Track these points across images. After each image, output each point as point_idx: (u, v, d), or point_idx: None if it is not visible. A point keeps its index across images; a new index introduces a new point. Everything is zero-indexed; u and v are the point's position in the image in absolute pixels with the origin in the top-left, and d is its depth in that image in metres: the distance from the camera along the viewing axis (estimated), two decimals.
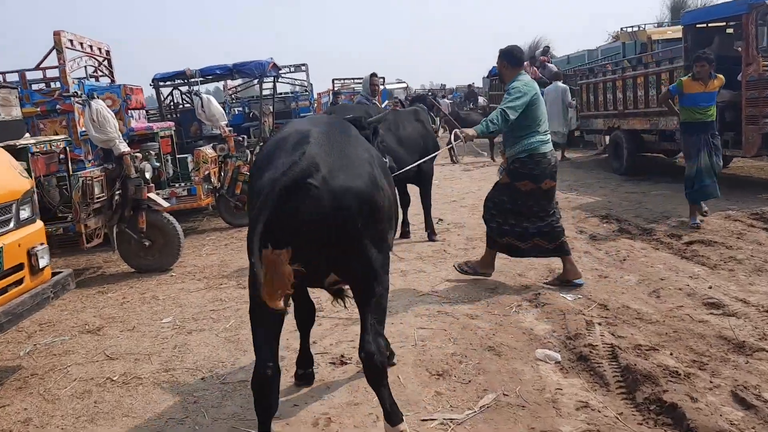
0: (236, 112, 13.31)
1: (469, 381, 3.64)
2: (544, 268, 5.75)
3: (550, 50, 20.13)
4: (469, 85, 31.22)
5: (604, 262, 5.91)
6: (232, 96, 14.27)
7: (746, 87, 8.05)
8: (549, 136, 5.14)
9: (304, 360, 3.75)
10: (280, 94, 13.09)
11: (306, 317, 3.64)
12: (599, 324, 4.37)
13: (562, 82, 13.79)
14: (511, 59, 5.07)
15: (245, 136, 9.44)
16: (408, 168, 6.06)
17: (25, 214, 3.96)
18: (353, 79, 22.25)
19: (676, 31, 14.53)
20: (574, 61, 21.43)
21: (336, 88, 21.50)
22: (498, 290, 5.27)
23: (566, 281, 5.24)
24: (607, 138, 13.61)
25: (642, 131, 10.94)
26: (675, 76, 9.47)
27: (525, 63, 17.55)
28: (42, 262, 3.96)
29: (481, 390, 3.52)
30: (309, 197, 2.51)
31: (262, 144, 10.60)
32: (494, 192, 5.31)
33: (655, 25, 15.94)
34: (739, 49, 8.43)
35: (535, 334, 4.27)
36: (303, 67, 14.52)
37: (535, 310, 4.75)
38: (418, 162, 6.23)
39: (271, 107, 11.91)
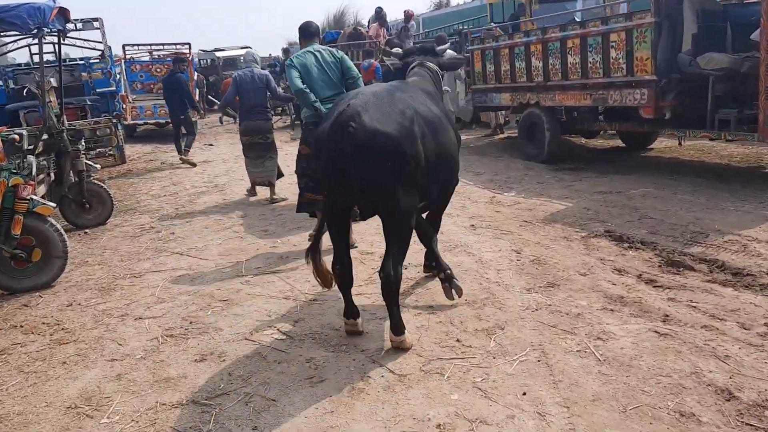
0: None
1: None
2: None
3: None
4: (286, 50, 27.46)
5: None
6: None
7: (767, 50, 6.05)
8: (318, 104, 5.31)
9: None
10: (69, 60, 8.69)
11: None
12: None
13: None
14: (303, 33, 5.72)
15: (22, 133, 5.29)
16: None
17: None
18: (150, 44, 17.76)
19: None
20: None
21: (129, 56, 16.97)
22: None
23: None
24: (501, 116, 11.47)
25: (574, 108, 8.76)
26: (637, 36, 7.32)
27: (374, 25, 14.96)
28: None
29: None
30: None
31: (47, 137, 6.52)
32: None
33: None
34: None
35: None
36: (96, 23, 10.09)
37: None
38: None
39: (53, 80, 7.69)
